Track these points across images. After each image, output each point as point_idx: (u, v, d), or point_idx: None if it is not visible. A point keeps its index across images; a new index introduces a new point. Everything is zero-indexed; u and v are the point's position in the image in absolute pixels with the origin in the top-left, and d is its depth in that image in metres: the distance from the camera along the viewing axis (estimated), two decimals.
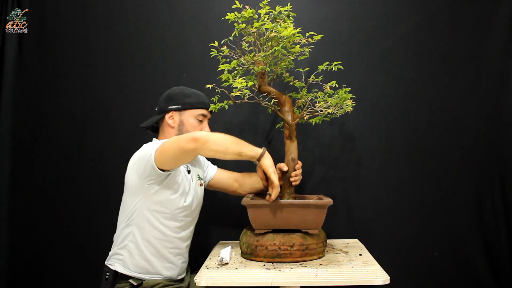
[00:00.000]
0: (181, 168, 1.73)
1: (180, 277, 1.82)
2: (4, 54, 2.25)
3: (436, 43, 2.18)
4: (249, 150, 1.59)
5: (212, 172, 2.01)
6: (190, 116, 1.78)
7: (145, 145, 1.72)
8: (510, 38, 2.13)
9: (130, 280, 1.67)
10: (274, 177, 1.59)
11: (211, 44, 1.72)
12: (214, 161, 2.06)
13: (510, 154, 2.13)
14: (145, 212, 1.68)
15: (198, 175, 1.90)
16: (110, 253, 1.76)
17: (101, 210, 2.17)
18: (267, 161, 1.60)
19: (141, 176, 1.65)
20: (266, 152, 1.62)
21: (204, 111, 1.81)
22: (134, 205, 1.69)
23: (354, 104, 1.73)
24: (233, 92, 1.67)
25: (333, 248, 1.87)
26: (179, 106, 1.78)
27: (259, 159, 1.60)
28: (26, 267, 2.23)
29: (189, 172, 1.84)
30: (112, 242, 1.78)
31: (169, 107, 1.78)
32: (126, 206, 1.72)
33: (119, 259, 1.70)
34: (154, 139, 1.84)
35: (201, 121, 1.80)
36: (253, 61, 1.70)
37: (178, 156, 1.57)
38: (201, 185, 1.89)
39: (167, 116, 1.79)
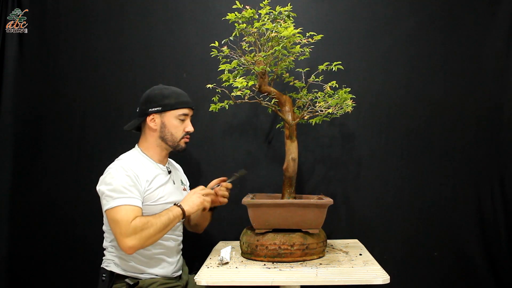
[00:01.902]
0: (150, 178, 1.70)
1: (176, 275, 1.82)
2: (4, 54, 2.25)
3: (436, 43, 2.18)
4: (173, 213, 1.64)
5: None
6: (171, 117, 1.74)
7: (112, 170, 1.66)
8: (510, 38, 2.14)
9: (127, 280, 1.67)
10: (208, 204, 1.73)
11: (212, 44, 1.72)
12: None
13: (510, 154, 2.13)
14: None
15: (181, 181, 1.91)
16: (104, 257, 1.76)
17: (101, 211, 2.16)
18: (190, 205, 1.68)
19: None
20: (181, 204, 1.68)
21: (185, 110, 1.76)
22: None
23: (354, 104, 1.73)
24: (233, 92, 1.67)
25: (333, 248, 1.87)
26: (159, 108, 1.73)
27: (184, 213, 1.65)
28: (25, 268, 2.22)
29: (169, 172, 1.82)
30: None
31: (150, 109, 1.73)
32: (107, 220, 1.70)
33: (114, 262, 1.71)
34: (136, 146, 1.81)
35: (182, 120, 1.76)
36: (253, 61, 1.70)
37: None
38: (184, 190, 1.89)
39: (148, 119, 1.74)
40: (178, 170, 1.97)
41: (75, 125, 2.25)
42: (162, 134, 1.75)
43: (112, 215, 1.58)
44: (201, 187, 1.74)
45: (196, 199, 1.68)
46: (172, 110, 1.74)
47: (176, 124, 1.75)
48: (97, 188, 1.68)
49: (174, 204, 1.67)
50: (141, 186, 1.66)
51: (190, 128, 1.78)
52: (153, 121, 1.75)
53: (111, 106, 2.24)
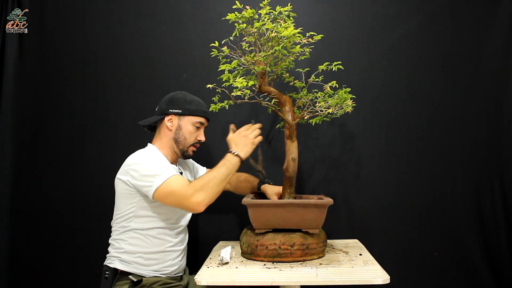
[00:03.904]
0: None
1: (179, 275, 1.83)
2: (4, 54, 2.25)
3: (436, 43, 2.18)
4: (231, 162, 1.67)
5: (202, 173, 2.02)
6: (189, 122, 1.80)
7: (140, 157, 1.71)
8: (510, 38, 2.14)
9: (130, 276, 1.68)
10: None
11: (212, 44, 1.72)
12: (203, 163, 2.10)
13: (510, 154, 2.13)
14: (141, 218, 1.70)
15: (189, 180, 1.91)
16: (108, 255, 1.77)
17: (102, 210, 2.17)
18: (244, 150, 1.72)
19: (134, 191, 1.69)
20: (236, 150, 1.70)
21: (202, 119, 1.83)
22: (129, 211, 1.71)
23: (354, 104, 1.73)
24: (233, 92, 1.67)
25: (333, 248, 1.87)
26: (180, 111, 1.79)
27: (240, 158, 1.69)
28: (26, 267, 2.23)
29: (181, 174, 1.85)
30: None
31: (170, 110, 1.79)
32: (120, 211, 1.74)
33: (118, 259, 1.71)
34: (149, 144, 1.84)
35: (198, 128, 1.83)
36: (253, 61, 1.70)
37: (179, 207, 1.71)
38: None
39: (166, 118, 1.80)
40: (188, 167, 1.99)
41: (75, 125, 2.25)
42: (176, 135, 1.79)
43: (165, 190, 1.60)
44: (244, 127, 1.77)
45: (247, 142, 1.72)
46: (191, 115, 1.80)
47: (191, 130, 1.80)
48: (122, 178, 1.70)
49: (229, 152, 1.70)
50: None
51: (202, 137, 1.85)
52: (171, 121, 1.80)
53: (111, 106, 2.24)
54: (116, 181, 1.74)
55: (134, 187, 1.67)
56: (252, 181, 2.00)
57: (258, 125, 1.78)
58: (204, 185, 1.59)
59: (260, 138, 1.76)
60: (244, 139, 1.73)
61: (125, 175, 1.69)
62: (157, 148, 1.81)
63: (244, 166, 2.07)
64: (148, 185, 1.62)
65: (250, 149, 1.73)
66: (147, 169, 1.64)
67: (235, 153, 1.69)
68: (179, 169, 1.87)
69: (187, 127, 1.80)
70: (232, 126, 1.81)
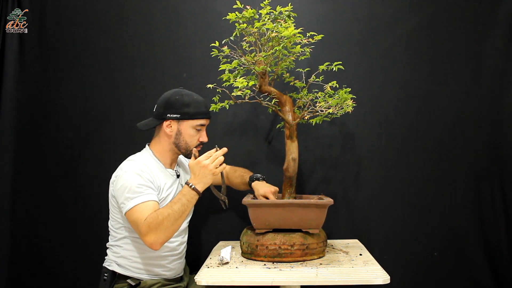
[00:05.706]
0: (161, 186, 1.71)
1: (178, 276, 1.82)
2: (4, 54, 2.25)
3: (436, 43, 2.18)
4: (186, 197, 1.60)
5: None
6: (188, 126, 1.72)
7: (127, 169, 1.65)
8: (510, 38, 2.13)
9: (128, 280, 1.67)
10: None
11: (212, 44, 1.72)
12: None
13: (510, 154, 2.13)
14: (131, 227, 1.67)
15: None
16: (107, 257, 1.76)
17: (102, 210, 2.16)
18: (203, 182, 1.63)
19: (117, 202, 1.67)
20: (194, 184, 1.62)
21: (202, 121, 1.74)
22: (118, 221, 1.71)
23: (354, 104, 1.73)
24: (234, 92, 1.68)
25: (333, 248, 1.87)
26: (178, 116, 1.70)
27: (199, 193, 1.62)
28: (26, 267, 2.23)
29: (178, 176, 1.83)
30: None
31: (168, 115, 1.71)
32: (113, 218, 1.73)
33: (116, 263, 1.71)
34: (146, 146, 1.80)
35: (198, 130, 1.75)
36: (253, 61, 1.70)
37: None
38: None
39: (165, 124, 1.72)
40: (185, 166, 1.94)
41: (75, 125, 2.25)
42: (176, 141, 1.74)
43: (130, 218, 1.58)
44: (205, 155, 1.63)
45: (207, 173, 1.61)
46: (190, 119, 1.72)
47: (192, 133, 1.73)
48: (111, 189, 1.70)
49: (186, 184, 1.62)
50: (154, 186, 1.66)
51: (204, 138, 1.77)
52: (170, 127, 1.73)
53: (111, 106, 2.24)
54: (109, 186, 1.73)
55: (116, 199, 1.66)
56: (245, 177, 1.97)
57: (221, 152, 1.64)
58: (158, 224, 1.52)
59: (223, 167, 1.64)
60: (203, 170, 1.61)
61: (111, 184, 1.69)
62: (154, 152, 1.77)
63: (240, 161, 2.11)
64: (122, 206, 1.60)
65: (210, 180, 1.63)
66: (126, 187, 1.60)
67: (192, 186, 1.60)
68: (177, 171, 1.83)
69: (188, 132, 1.73)
70: (194, 151, 1.69)
